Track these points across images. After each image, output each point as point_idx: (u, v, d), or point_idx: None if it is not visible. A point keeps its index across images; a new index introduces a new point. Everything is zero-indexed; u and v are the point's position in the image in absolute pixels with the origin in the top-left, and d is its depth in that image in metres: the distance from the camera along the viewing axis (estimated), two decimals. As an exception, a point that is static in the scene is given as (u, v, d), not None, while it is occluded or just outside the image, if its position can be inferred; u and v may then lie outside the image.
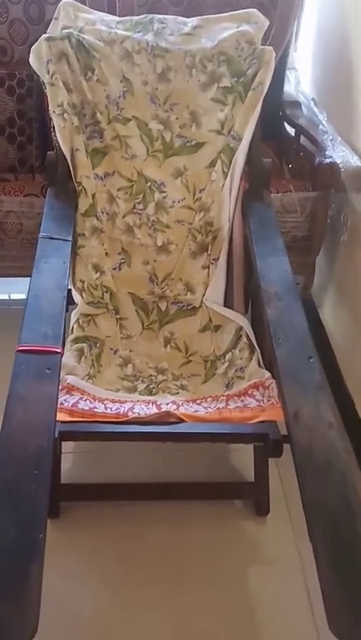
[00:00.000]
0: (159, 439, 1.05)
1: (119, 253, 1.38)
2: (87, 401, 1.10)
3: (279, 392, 0.99)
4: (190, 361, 1.32)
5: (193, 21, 1.36)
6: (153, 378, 1.29)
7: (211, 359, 1.30)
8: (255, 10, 1.35)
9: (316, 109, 1.62)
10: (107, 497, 1.30)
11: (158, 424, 1.04)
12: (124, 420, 1.04)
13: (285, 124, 1.76)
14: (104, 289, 1.34)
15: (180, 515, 1.28)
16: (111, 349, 1.31)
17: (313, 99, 1.69)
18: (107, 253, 1.36)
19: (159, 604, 1.14)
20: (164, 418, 1.05)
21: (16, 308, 1.89)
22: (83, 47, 1.31)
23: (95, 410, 1.08)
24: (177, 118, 1.36)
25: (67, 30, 1.30)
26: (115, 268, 1.37)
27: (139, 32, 1.34)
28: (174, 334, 1.36)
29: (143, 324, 1.37)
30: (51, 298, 1.07)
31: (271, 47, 1.33)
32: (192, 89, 1.35)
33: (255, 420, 1.05)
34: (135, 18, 1.37)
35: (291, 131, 1.72)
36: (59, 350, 0.98)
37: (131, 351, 1.33)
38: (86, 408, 1.07)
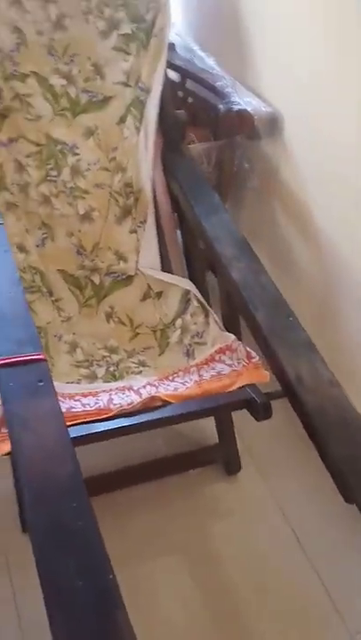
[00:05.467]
0: (156, 426, 1.00)
1: (40, 228, 1.24)
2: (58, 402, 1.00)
3: (269, 356, 0.98)
4: (138, 333, 1.26)
5: None
6: (108, 359, 1.21)
7: (160, 328, 1.25)
8: None
9: (201, 53, 1.55)
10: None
11: (146, 411, 0.99)
12: (109, 414, 0.97)
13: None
14: (33, 270, 1.21)
15: (153, 495, 1.26)
16: (55, 336, 1.20)
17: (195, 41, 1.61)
18: (27, 230, 1.21)
19: (155, 588, 1.14)
20: (150, 403, 1.00)
21: None
22: None
23: (73, 410, 0.99)
24: (80, 71, 1.22)
25: None
26: (38, 245, 1.23)
27: None
28: (114, 307, 1.27)
29: (80, 302, 1.27)
30: (9, 297, 0.92)
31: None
32: (91, 37, 1.21)
33: (235, 386, 1.04)
34: None
35: (173, 76, 1.63)
36: (42, 357, 0.86)
37: (74, 334, 1.23)
38: (64, 410, 0.98)
